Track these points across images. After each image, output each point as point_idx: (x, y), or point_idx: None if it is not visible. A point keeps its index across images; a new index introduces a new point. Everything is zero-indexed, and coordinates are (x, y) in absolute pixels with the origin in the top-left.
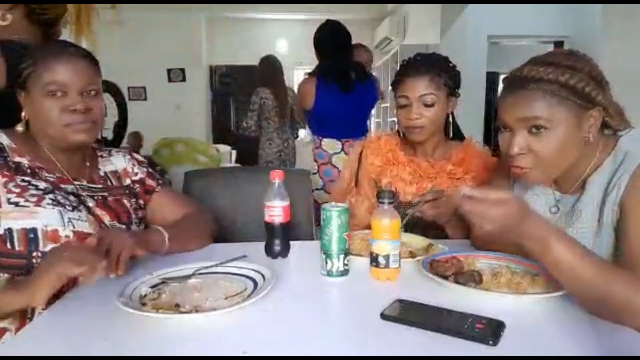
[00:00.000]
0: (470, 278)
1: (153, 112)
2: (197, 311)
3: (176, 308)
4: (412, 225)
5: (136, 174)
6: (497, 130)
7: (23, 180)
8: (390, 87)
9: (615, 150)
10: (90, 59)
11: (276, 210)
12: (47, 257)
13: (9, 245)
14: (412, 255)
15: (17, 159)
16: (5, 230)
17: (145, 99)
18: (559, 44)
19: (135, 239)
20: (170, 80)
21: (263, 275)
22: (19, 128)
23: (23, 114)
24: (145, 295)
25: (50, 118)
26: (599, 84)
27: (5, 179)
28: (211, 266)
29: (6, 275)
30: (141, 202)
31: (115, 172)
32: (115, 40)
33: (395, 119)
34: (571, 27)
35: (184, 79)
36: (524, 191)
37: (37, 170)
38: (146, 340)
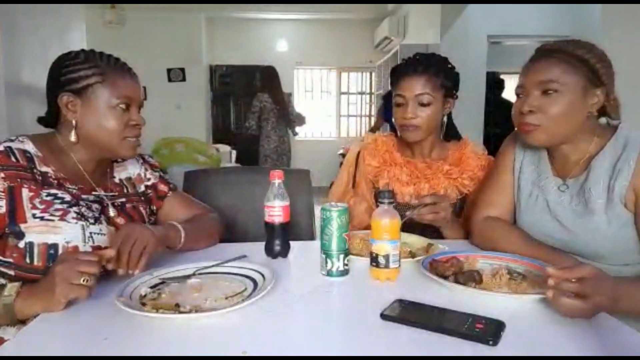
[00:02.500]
0: (470, 278)
1: (153, 111)
2: (197, 311)
3: (176, 308)
4: (410, 227)
5: (149, 180)
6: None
7: (49, 194)
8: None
9: (616, 136)
10: (136, 75)
11: (276, 210)
12: (59, 262)
13: (27, 260)
14: (412, 255)
15: (44, 169)
16: (26, 244)
17: (145, 98)
18: None
19: (157, 237)
20: (170, 80)
21: (263, 275)
22: (72, 138)
23: (73, 122)
24: (145, 295)
25: (112, 129)
26: (608, 68)
27: (32, 194)
28: (211, 266)
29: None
30: (153, 207)
31: (129, 179)
32: (115, 40)
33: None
34: (571, 27)
35: (184, 79)
36: (536, 175)
37: (61, 181)
38: (146, 340)
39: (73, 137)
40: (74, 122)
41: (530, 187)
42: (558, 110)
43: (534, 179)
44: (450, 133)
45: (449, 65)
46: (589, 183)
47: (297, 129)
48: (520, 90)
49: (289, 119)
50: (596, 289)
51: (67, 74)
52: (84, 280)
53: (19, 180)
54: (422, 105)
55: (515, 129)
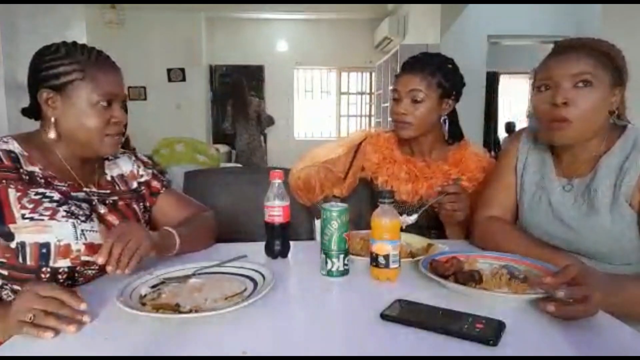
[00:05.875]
0: (470, 278)
1: (153, 112)
2: (197, 311)
3: (176, 308)
4: (410, 227)
5: (142, 176)
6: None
7: (37, 194)
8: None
9: (625, 135)
10: (119, 69)
11: (276, 210)
12: (18, 296)
13: (20, 260)
14: (412, 255)
15: (30, 168)
16: (17, 244)
17: (145, 98)
18: None
19: (152, 241)
20: (170, 80)
21: (263, 275)
22: (51, 135)
23: (52, 119)
24: (145, 295)
25: (93, 127)
26: (626, 68)
27: (19, 194)
28: (211, 266)
29: None
30: (147, 204)
31: (122, 176)
32: (115, 40)
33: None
34: (571, 27)
35: (183, 79)
36: (539, 176)
37: (50, 180)
38: (146, 340)
39: (52, 135)
40: (52, 119)
41: (534, 188)
42: (591, 103)
43: (537, 179)
44: (454, 134)
45: (450, 66)
46: (596, 183)
47: (268, 129)
48: (547, 82)
49: (261, 122)
50: (592, 286)
51: (48, 69)
52: (29, 318)
53: (4, 181)
54: (414, 102)
55: (526, 126)
